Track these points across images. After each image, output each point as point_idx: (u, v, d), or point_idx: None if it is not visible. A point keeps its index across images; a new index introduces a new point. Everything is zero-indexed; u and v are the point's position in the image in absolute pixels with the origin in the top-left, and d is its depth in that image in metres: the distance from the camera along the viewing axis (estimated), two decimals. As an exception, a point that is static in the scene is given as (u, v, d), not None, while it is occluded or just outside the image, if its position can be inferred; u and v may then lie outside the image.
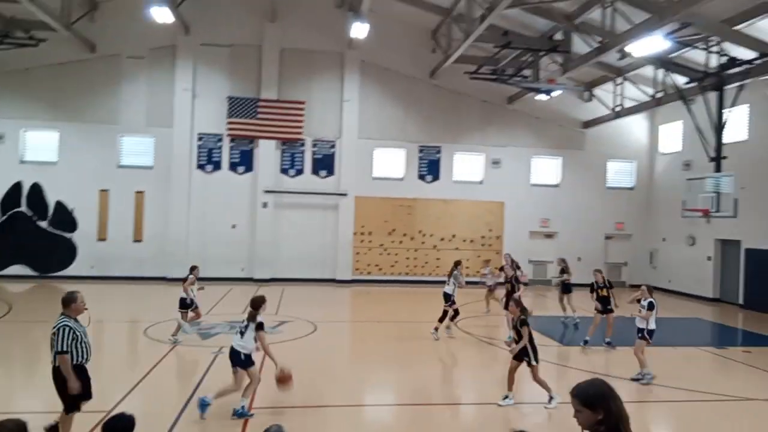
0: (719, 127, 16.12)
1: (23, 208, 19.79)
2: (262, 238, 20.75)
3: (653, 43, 13.55)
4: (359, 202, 21.47)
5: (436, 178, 22.16)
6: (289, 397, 7.62)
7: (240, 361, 7.13)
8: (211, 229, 20.64)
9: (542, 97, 19.19)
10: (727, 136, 16.77)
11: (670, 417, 8.33)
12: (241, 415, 6.99)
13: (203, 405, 6.92)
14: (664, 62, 17.01)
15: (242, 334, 7.19)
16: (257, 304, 7.41)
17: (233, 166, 20.97)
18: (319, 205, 21.34)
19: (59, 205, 19.93)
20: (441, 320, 12.32)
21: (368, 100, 21.66)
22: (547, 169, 23.03)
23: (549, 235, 22.88)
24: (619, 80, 20.61)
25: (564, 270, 14.76)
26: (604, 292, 12.02)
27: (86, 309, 6.01)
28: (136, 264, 20.23)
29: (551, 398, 7.91)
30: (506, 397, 8.01)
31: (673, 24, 12.93)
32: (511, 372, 8.03)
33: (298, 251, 21.05)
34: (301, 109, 21.02)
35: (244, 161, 21.02)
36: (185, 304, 11.50)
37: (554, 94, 19.00)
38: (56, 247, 19.88)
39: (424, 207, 21.99)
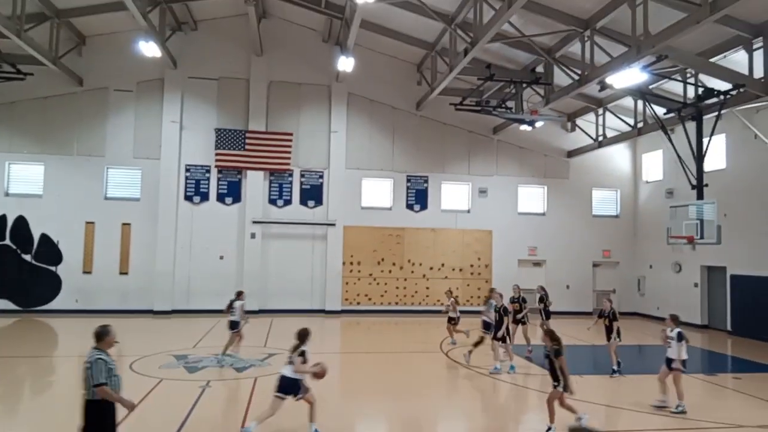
0: (699, 155, 16.50)
1: (7, 241, 19.53)
2: (251, 269, 20.62)
3: (631, 75, 13.95)
4: (348, 232, 21.50)
5: (424, 207, 22.31)
6: (280, 429, 7.48)
7: (297, 389, 7.61)
8: (199, 261, 20.49)
9: (526, 127, 19.53)
10: (708, 165, 17.15)
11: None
12: None
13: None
14: (643, 93, 17.49)
15: (292, 364, 7.62)
16: (303, 336, 7.85)
17: (221, 197, 20.97)
18: (307, 235, 21.33)
19: (44, 238, 19.70)
20: (476, 345, 12.85)
21: (356, 131, 21.92)
22: (533, 197, 23.31)
23: (537, 263, 23.00)
24: (600, 111, 21.12)
25: (543, 298, 14.92)
26: (606, 322, 12.01)
27: (117, 342, 6.18)
28: (121, 297, 19.94)
29: (550, 428, 7.89)
30: (549, 429, 7.90)
31: (650, 57, 13.36)
32: (549, 402, 8.01)
33: (286, 282, 20.92)
34: (289, 140, 21.19)
35: (232, 192, 21.03)
36: (234, 326, 12.62)
37: (538, 124, 19.36)
38: (40, 280, 19.58)
39: (412, 236, 22.07)
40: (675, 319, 9.68)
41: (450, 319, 15.24)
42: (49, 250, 19.72)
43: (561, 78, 17.36)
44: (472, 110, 19.55)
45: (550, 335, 8.16)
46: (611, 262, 23.48)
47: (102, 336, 6.02)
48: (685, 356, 9.38)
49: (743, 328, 17.82)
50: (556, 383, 7.94)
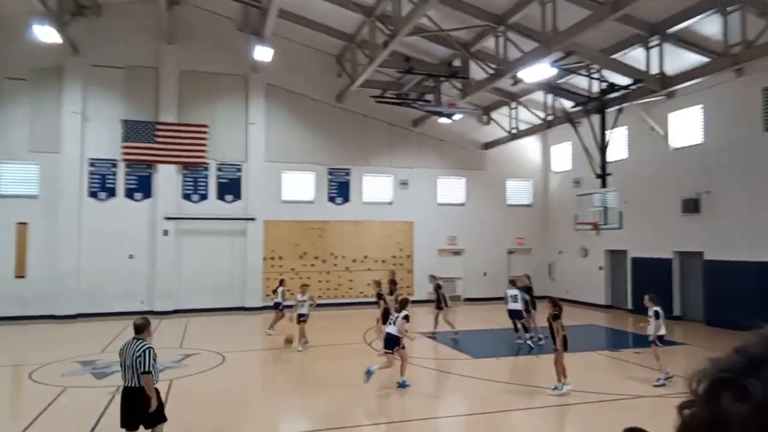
0: (603, 146, 17.58)
1: None
2: (164, 268, 19.63)
3: (541, 70, 14.60)
4: (268, 227, 21.00)
5: (346, 200, 22.23)
6: (201, 430, 7.17)
7: (395, 344, 9.69)
8: (107, 261, 19.21)
9: (445, 120, 19.97)
10: (611, 155, 18.32)
11: (578, 420, 8.77)
12: (403, 385, 9.69)
13: (369, 373, 9.35)
14: (552, 88, 18.37)
15: (394, 323, 9.77)
16: (405, 303, 10.15)
17: (130, 193, 19.76)
18: (225, 230, 20.61)
19: (-77, 241, 17.69)
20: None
21: (275, 123, 21.41)
22: (452, 188, 23.88)
23: (457, 252, 23.63)
24: (513, 104, 21.97)
25: (529, 288, 14.85)
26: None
27: (151, 334, 6.66)
28: (19, 302, 18.30)
29: (556, 387, 9.14)
30: (555, 387, 9.28)
31: (559, 52, 14.04)
32: (556, 363, 9.40)
33: (203, 280, 20.11)
34: (204, 132, 20.33)
35: (142, 187, 19.88)
36: (277, 306, 14.75)
37: (455, 117, 19.84)
38: None
39: (335, 229, 21.93)
40: (653, 299, 10.48)
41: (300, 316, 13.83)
42: (-69, 254, 17.73)
43: (477, 72, 17.85)
44: (392, 103, 19.67)
45: (552, 302, 9.65)
46: (524, 248, 24.57)
47: (144, 327, 6.44)
48: (663, 332, 10.25)
49: (642, 305, 19.21)
50: (555, 346, 9.32)
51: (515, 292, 14.10)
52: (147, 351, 6.23)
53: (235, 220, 20.61)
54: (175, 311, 19.30)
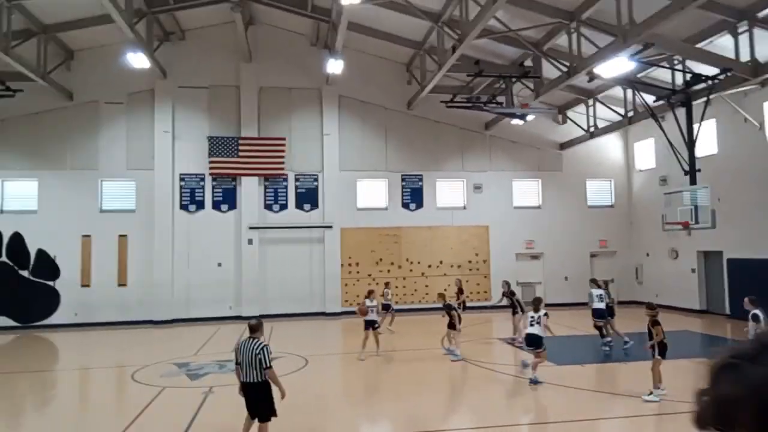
0: (690, 141, 16.59)
1: (4, 258, 19.49)
2: (249, 275, 20.63)
3: (619, 65, 14.04)
4: (345, 234, 21.52)
5: (419, 205, 22.36)
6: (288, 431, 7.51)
7: (539, 343, 10.20)
8: (197, 269, 20.48)
9: (518, 121, 19.61)
10: (699, 150, 17.25)
11: (667, 430, 8.35)
12: (535, 382, 10.12)
13: (525, 365, 10.61)
14: (631, 82, 17.57)
15: (537, 323, 10.23)
16: (539, 303, 10.67)
17: (216, 205, 20.98)
18: (304, 239, 21.35)
19: (41, 253, 19.66)
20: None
21: (348, 133, 21.96)
22: (528, 191, 23.37)
23: (535, 256, 23.06)
24: (590, 102, 21.20)
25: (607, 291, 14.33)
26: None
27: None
28: (121, 309, 19.93)
29: (652, 392, 8.95)
30: (651, 392, 9.09)
31: (637, 45, 13.44)
32: (653, 369, 9.23)
33: (285, 286, 20.93)
34: (282, 144, 21.22)
35: (228, 199, 21.05)
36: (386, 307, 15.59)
37: (529, 118, 19.43)
38: (39, 295, 19.53)
39: (409, 235, 22.10)
40: (754, 302, 10.14)
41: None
42: (47, 265, 19.68)
43: (550, 71, 17.44)
44: (463, 107, 19.61)
45: (650, 306, 9.68)
46: (608, 251, 23.56)
47: (258, 327, 7.15)
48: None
49: (741, 310, 17.85)
50: (653, 351, 9.23)
51: (600, 291, 13.67)
52: (264, 348, 6.82)
53: (313, 228, 21.31)
54: (261, 316, 20.14)
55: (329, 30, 19.72)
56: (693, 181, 16.71)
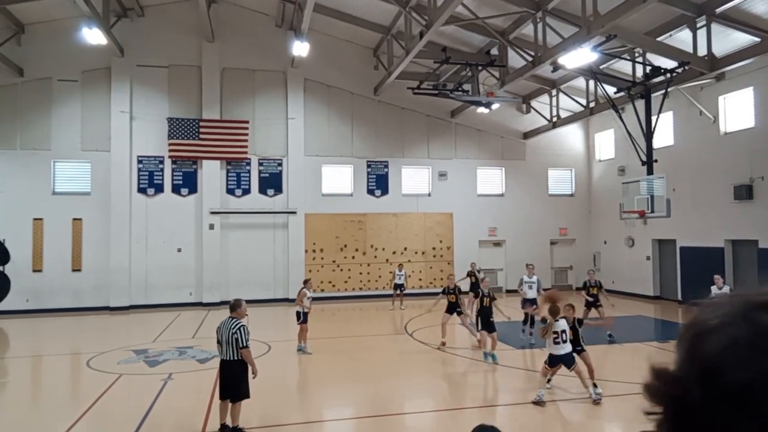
0: (649, 133, 17.04)
1: (-52, 242, 18.54)
2: (210, 261, 20.23)
3: (582, 55, 14.25)
4: (309, 220, 21.33)
5: (385, 192, 22.33)
6: (247, 416, 7.41)
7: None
8: (156, 254, 19.96)
9: (483, 110, 19.75)
10: (657, 142, 17.74)
11: (621, 412, 8.63)
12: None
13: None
14: (594, 73, 17.88)
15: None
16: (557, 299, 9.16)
17: (176, 188, 20.43)
18: (268, 224, 21.06)
19: (-12, 237, 18.78)
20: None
21: (314, 118, 21.68)
22: (491, 179, 23.65)
23: (497, 244, 23.42)
24: (554, 92, 21.53)
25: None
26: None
27: (247, 314, 7.44)
28: (75, 295, 19.27)
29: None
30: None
31: (600, 37, 13.67)
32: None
33: (248, 272, 20.64)
34: (245, 128, 20.79)
35: (188, 183, 20.52)
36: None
37: (494, 106, 19.59)
38: (-14, 281, 18.67)
39: (374, 221, 22.08)
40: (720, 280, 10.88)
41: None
42: (-5, 250, 18.82)
43: (515, 60, 17.59)
44: (429, 94, 19.60)
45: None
46: (568, 239, 24.13)
47: (236, 307, 7.24)
48: None
49: (692, 296, 18.60)
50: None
51: (534, 279, 13.49)
52: (242, 329, 6.97)
53: (277, 214, 21.02)
54: (222, 302, 19.86)
55: (295, 11, 19.33)
56: (650, 172, 17.19)
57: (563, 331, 8.33)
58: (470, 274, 18.64)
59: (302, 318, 12.33)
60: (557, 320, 8.34)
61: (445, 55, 17.62)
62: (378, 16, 18.88)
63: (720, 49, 14.43)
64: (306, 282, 13.02)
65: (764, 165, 15.94)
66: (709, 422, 0.59)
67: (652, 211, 16.80)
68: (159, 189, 20.26)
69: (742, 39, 14.18)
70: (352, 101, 22.08)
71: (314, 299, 21.07)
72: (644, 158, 17.06)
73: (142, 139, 20.10)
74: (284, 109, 21.30)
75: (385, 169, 22.40)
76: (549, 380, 8.97)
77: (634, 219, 18.82)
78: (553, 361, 8.46)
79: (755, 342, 0.60)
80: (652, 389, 0.65)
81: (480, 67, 18.39)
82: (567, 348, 8.34)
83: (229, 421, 7.10)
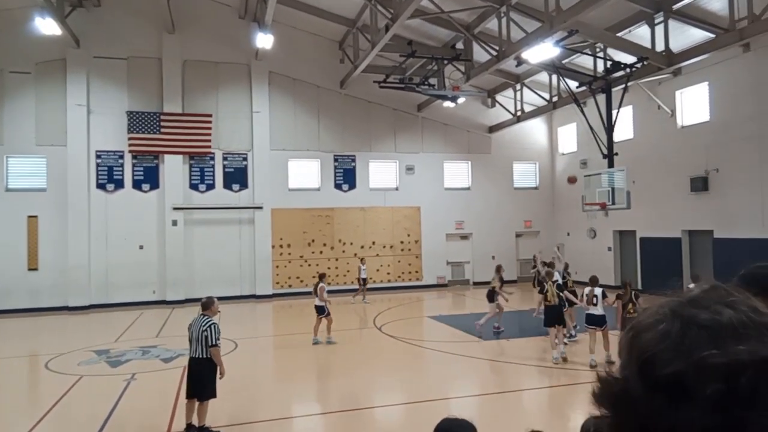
0: (609, 126, 17.43)
1: None
2: (174, 258, 19.78)
3: (545, 50, 14.46)
4: (276, 215, 21.07)
5: (352, 186, 22.24)
6: (216, 415, 7.28)
7: (604, 322, 10.03)
8: (117, 252, 19.39)
9: (449, 104, 19.85)
10: (617, 135, 18.16)
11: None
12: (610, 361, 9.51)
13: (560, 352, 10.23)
14: (557, 68, 18.16)
15: (595, 305, 10.10)
16: (595, 280, 10.74)
17: (137, 184, 19.87)
18: (233, 220, 20.71)
19: (-64, 237, 17.90)
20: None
21: (279, 111, 21.39)
22: (458, 173, 23.83)
23: (464, 237, 23.65)
24: (518, 86, 21.80)
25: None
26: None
27: (219, 312, 7.41)
28: (32, 294, 18.56)
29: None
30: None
31: (562, 32, 13.88)
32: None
33: (214, 269, 20.26)
34: (208, 121, 20.35)
35: (150, 178, 19.98)
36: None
37: (460, 100, 19.70)
38: (-66, 283, 17.79)
39: (342, 216, 21.98)
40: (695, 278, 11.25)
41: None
42: (-56, 249, 17.95)
43: (480, 54, 17.72)
44: (395, 88, 19.56)
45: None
46: (532, 231, 24.54)
47: (208, 305, 7.21)
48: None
49: (651, 285, 19.21)
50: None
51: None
52: (212, 327, 6.94)
53: (243, 209, 20.70)
54: (187, 300, 19.48)
55: (258, 2, 19.00)
56: (611, 164, 17.58)
57: (595, 296, 10.23)
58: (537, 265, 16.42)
59: (326, 311, 12.42)
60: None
61: (411, 48, 17.61)
62: (343, 8, 18.73)
63: (677, 44, 14.85)
64: (322, 276, 13.07)
65: (719, 158, 16.51)
66: (651, 412, 0.62)
67: (613, 203, 17.20)
68: (119, 185, 19.67)
69: (698, 35, 14.63)
70: (318, 95, 21.87)
71: (283, 295, 21.04)
72: (605, 151, 17.44)
73: (101, 133, 19.46)
74: (249, 102, 20.95)
75: (353, 164, 22.30)
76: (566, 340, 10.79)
77: (595, 211, 19.27)
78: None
79: (684, 333, 0.65)
80: (598, 394, 0.70)
81: (446, 61, 18.46)
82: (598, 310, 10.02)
83: (195, 421, 6.96)
